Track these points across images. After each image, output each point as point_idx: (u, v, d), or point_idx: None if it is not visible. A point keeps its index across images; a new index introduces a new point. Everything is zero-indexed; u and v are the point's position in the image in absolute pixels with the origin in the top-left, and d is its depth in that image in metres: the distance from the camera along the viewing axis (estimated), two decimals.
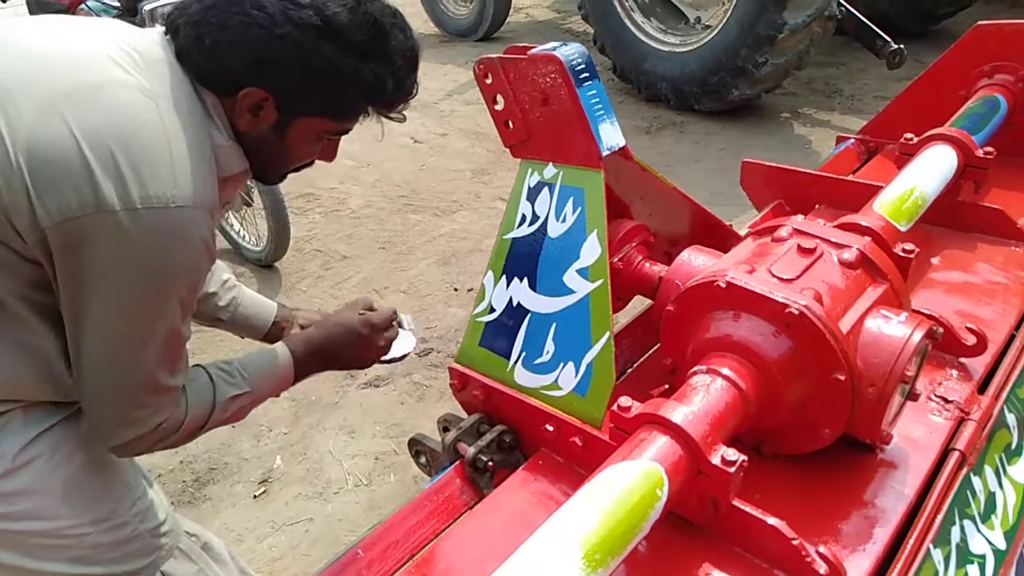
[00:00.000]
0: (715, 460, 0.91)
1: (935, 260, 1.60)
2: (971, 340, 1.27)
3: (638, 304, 1.46)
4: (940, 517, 1.02)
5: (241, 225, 3.55)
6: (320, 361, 1.29)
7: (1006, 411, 1.22)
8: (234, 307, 1.46)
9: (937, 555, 0.99)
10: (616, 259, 1.34)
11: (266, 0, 0.97)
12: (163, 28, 1.04)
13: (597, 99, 1.24)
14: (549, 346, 1.26)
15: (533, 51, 1.25)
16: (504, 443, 1.28)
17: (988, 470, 1.14)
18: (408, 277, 3.45)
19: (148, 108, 0.96)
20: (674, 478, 0.89)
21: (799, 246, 1.14)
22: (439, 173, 4.43)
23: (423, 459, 1.43)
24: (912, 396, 1.10)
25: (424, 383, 2.77)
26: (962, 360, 1.30)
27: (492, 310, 1.36)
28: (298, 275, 3.50)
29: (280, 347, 1.25)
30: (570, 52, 1.22)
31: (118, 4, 3.37)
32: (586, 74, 1.22)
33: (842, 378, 1.01)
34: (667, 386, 1.20)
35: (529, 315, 1.30)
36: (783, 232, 1.19)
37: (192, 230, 0.98)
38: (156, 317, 0.99)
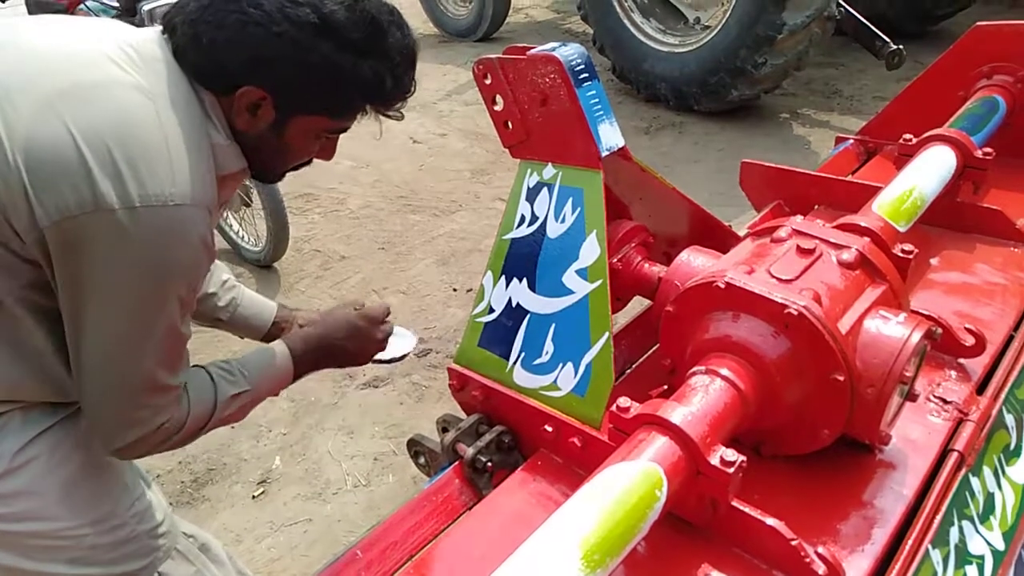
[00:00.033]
0: (714, 461, 0.91)
1: (934, 261, 1.60)
2: (970, 341, 1.27)
3: (637, 305, 1.46)
4: (939, 518, 1.02)
5: (240, 225, 3.55)
6: (319, 357, 1.29)
7: (1005, 412, 1.22)
8: (233, 307, 1.45)
9: (936, 556, 0.99)
10: (615, 259, 1.34)
11: None
12: (160, 27, 1.04)
13: (596, 99, 1.24)
14: (548, 346, 1.26)
15: (532, 51, 1.25)
16: (503, 444, 1.28)
17: (987, 471, 1.14)
18: (407, 277, 3.45)
19: (146, 106, 0.96)
20: (673, 479, 0.89)
21: (798, 247, 1.14)
22: (438, 173, 4.43)
23: (422, 460, 1.43)
24: (911, 397, 1.10)
25: (423, 383, 2.77)
26: (961, 361, 1.30)
27: (491, 310, 1.36)
28: (297, 275, 3.50)
29: (278, 345, 1.25)
30: (569, 52, 1.22)
31: (117, 4, 3.37)
32: (585, 74, 1.22)
33: (841, 379, 1.01)
34: (666, 387, 1.20)
35: (528, 315, 1.30)
36: (782, 233, 1.19)
37: (191, 228, 0.98)
38: (156, 316, 0.99)
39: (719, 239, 1.47)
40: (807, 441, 1.10)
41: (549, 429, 1.21)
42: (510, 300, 1.33)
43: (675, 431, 0.93)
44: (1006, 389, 1.24)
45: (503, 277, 1.35)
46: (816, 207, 1.79)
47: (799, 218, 1.24)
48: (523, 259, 1.33)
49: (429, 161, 4.60)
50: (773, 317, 1.03)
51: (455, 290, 3.34)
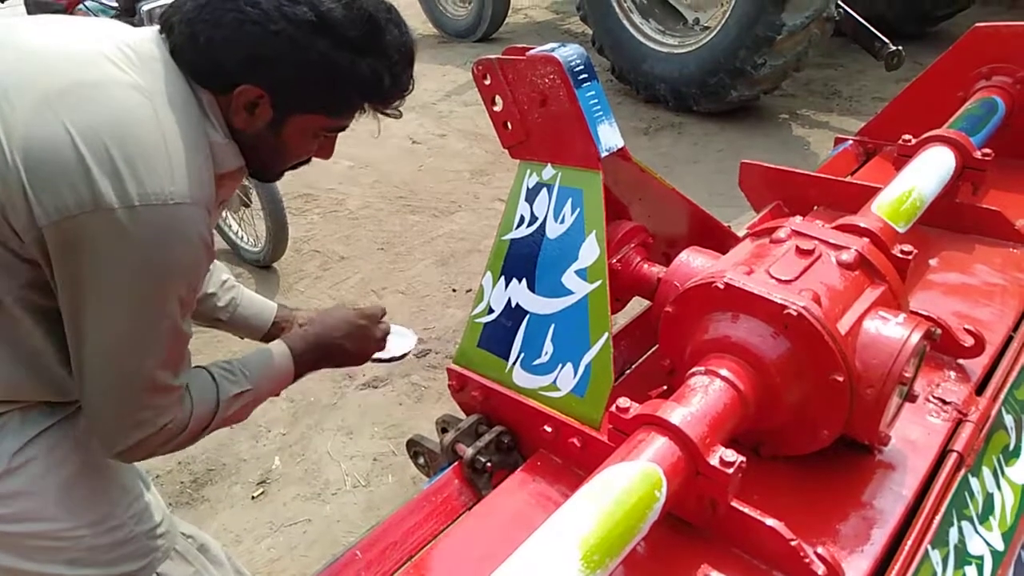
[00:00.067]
0: (713, 461, 0.91)
1: (933, 261, 1.60)
2: (969, 341, 1.27)
3: (637, 305, 1.46)
4: (938, 518, 1.02)
5: (239, 226, 3.55)
6: (319, 356, 1.29)
7: (1004, 412, 1.22)
8: (233, 307, 1.45)
9: (935, 556, 0.99)
10: (615, 260, 1.34)
11: None
12: (158, 26, 1.04)
13: (596, 100, 1.24)
14: (548, 347, 1.26)
15: (532, 52, 1.25)
16: (502, 444, 1.28)
17: (986, 471, 1.14)
18: (406, 278, 3.45)
19: (143, 105, 0.95)
20: (672, 479, 0.89)
21: (797, 247, 1.14)
22: (438, 174, 4.43)
23: (421, 460, 1.43)
24: (910, 397, 1.10)
25: (422, 384, 2.77)
26: (960, 361, 1.30)
27: (491, 311, 1.36)
28: (296, 276, 3.50)
29: (278, 344, 1.25)
30: (569, 53, 1.22)
31: (116, 4, 3.37)
32: (585, 75, 1.22)
33: (840, 379, 1.01)
34: (665, 387, 1.20)
35: (528, 316, 1.30)
36: (781, 233, 1.19)
37: (190, 227, 0.97)
38: (156, 316, 0.99)
39: (718, 240, 1.47)
40: (806, 442, 1.10)
41: (548, 429, 1.21)
42: (509, 300, 1.33)
43: (674, 431, 0.92)
44: (1005, 390, 1.24)
45: (502, 278, 1.35)
46: (815, 208, 1.79)
47: (798, 219, 1.24)
48: (522, 259, 1.33)
49: (428, 162, 4.60)
50: (772, 318, 1.03)
51: (454, 290, 3.34)
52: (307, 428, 2.60)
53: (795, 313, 1.00)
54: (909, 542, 0.98)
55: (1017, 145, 1.83)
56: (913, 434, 1.16)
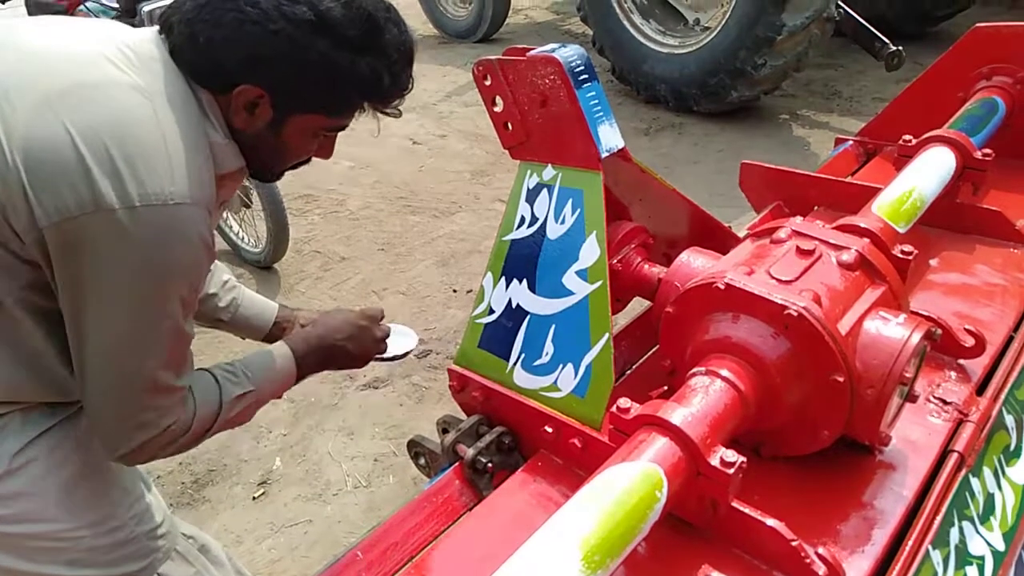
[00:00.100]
0: (714, 461, 0.91)
1: (934, 262, 1.60)
2: (970, 342, 1.27)
3: (637, 305, 1.46)
4: (939, 519, 1.02)
5: (240, 226, 3.55)
6: (322, 357, 1.29)
7: (1004, 412, 1.22)
8: (235, 308, 1.45)
9: (936, 556, 0.99)
10: (615, 260, 1.34)
11: None
12: (157, 27, 1.04)
13: (596, 101, 1.24)
14: (548, 347, 1.26)
15: (532, 53, 1.26)
16: (503, 445, 1.28)
17: (987, 471, 1.14)
18: (407, 278, 3.45)
19: (143, 106, 0.96)
20: (673, 479, 0.89)
21: (798, 248, 1.14)
22: (438, 174, 4.43)
23: (422, 460, 1.43)
24: (911, 398, 1.10)
25: (423, 384, 2.77)
26: (960, 362, 1.30)
27: (491, 311, 1.36)
28: (297, 276, 3.50)
29: (280, 346, 1.25)
30: (569, 54, 1.22)
31: (116, 5, 3.37)
32: (585, 76, 1.22)
33: (841, 379, 1.01)
34: (666, 388, 1.20)
35: (528, 317, 1.30)
36: (782, 234, 1.19)
37: (190, 227, 0.97)
38: (157, 316, 0.99)
39: (719, 240, 1.47)
40: (807, 442, 1.10)
41: (549, 430, 1.21)
42: (510, 301, 1.33)
43: (675, 432, 0.92)
44: (1006, 390, 1.24)
45: (503, 278, 1.35)
46: (816, 208, 1.79)
47: (799, 219, 1.24)
48: (523, 260, 1.33)
49: (429, 162, 4.61)
50: (773, 318, 1.03)
51: (455, 291, 3.34)
52: (308, 429, 2.60)
53: (795, 313, 1.00)
54: (910, 542, 0.98)
55: (1017, 145, 1.83)
56: (914, 434, 1.16)
